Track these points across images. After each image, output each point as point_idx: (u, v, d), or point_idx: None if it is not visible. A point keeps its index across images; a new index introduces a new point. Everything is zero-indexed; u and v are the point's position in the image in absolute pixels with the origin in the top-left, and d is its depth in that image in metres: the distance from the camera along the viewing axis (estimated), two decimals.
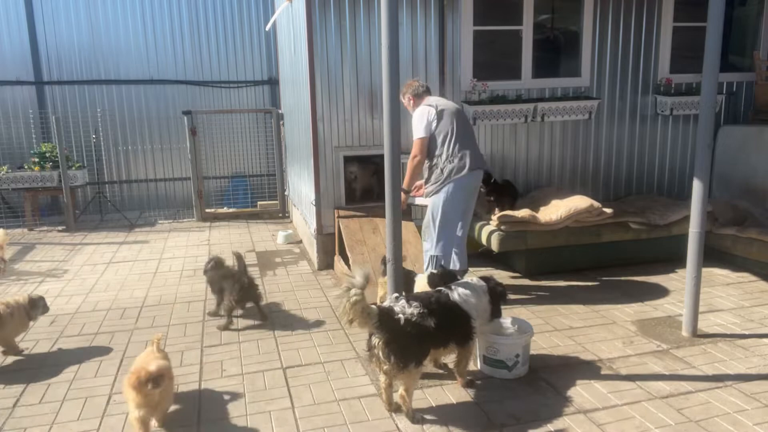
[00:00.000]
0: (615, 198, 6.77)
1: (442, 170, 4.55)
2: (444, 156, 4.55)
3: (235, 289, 4.58)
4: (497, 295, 3.66)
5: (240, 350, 4.19)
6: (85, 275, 6.14)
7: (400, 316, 3.20)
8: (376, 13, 5.75)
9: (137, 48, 11.08)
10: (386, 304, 3.32)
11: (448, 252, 4.65)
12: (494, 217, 5.52)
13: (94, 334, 4.56)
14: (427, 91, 4.91)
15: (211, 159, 10.52)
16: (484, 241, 5.60)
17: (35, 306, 4.22)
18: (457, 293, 3.49)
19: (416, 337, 3.19)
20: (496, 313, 3.67)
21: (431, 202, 4.68)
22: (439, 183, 4.57)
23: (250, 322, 4.71)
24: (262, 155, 10.41)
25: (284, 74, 8.81)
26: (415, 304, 3.28)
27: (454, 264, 4.95)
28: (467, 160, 4.55)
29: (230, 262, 4.98)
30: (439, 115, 4.60)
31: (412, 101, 4.89)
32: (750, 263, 5.56)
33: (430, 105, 4.66)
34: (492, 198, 5.74)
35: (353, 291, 3.03)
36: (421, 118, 4.64)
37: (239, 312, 4.78)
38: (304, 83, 6.17)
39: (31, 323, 4.33)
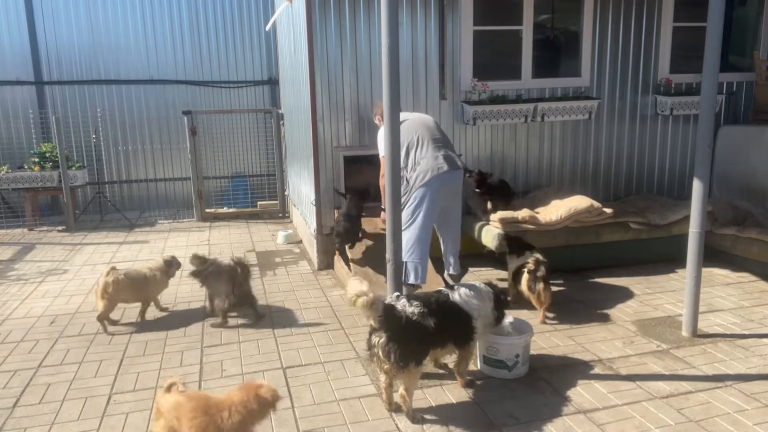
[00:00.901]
0: (615, 198, 6.77)
1: (407, 180, 4.58)
2: (409, 167, 4.59)
3: (234, 294, 4.64)
4: (501, 302, 3.68)
5: (240, 350, 4.19)
6: (85, 275, 6.14)
7: (402, 314, 3.20)
8: (376, 13, 5.76)
9: (137, 48, 11.09)
10: (388, 301, 3.32)
11: (423, 257, 4.61)
12: (494, 218, 5.52)
13: (94, 334, 4.56)
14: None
15: (211, 159, 10.51)
16: (484, 241, 5.60)
17: (171, 265, 4.91)
18: (458, 294, 3.50)
19: (416, 336, 3.19)
20: (500, 319, 3.69)
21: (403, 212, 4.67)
22: (407, 194, 4.58)
23: (249, 321, 4.72)
24: (262, 155, 10.41)
25: (284, 74, 8.81)
26: (415, 303, 3.28)
27: (454, 262, 4.95)
28: (430, 164, 4.56)
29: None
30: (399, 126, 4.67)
31: (382, 122, 4.98)
32: (750, 263, 5.56)
33: None
34: (486, 198, 5.74)
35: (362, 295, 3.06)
36: (382, 138, 4.69)
37: (234, 312, 4.82)
38: (304, 83, 6.17)
39: (171, 280, 5.01)
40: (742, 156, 6.42)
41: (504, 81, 6.24)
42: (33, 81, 10.75)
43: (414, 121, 4.76)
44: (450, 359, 3.71)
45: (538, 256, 4.68)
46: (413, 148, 4.62)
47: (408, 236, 4.54)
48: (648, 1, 6.48)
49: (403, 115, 4.80)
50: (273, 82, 11.42)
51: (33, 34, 10.64)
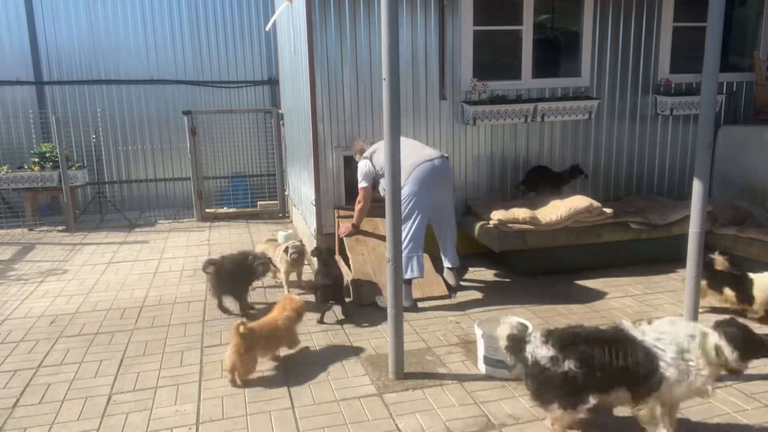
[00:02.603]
0: (615, 198, 6.77)
1: None
2: None
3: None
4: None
5: None
6: (85, 275, 6.14)
7: (528, 355, 2.90)
8: (376, 13, 5.76)
9: (137, 48, 11.08)
10: (515, 333, 3.01)
11: (417, 251, 4.77)
12: (494, 217, 5.52)
13: (94, 334, 4.56)
14: (372, 145, 5.24)
15: (211, 159, 10.51)
16: (484, 241, 5.60)
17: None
18: (643, 331, 2.84)
19: (553, 381, 2.80)
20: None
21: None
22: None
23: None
24: (262, 155, 10.41)
25: (284, 74, 8.81)
26: (550, 343, 2.84)
27: (451, 256, 4.97)
28: (413, 159, 4.77)
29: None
30: (372, 158, 5.02)
31: (360, 158, 5.31)
32: (750, 263, 5.55)
33: (365, 157, 5.12)
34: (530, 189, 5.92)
35: None
36: (361, 171, 5.10)
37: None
38: (304, 83, 6.18)
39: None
40: (742, 156, 6.42)
41: (504, 81, 6.24)
42: (33, 81, 10.74)
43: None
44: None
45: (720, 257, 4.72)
46: None
47: (405, 231, 4.58)
48: (648, 1, 6.48)
49: (371, 149, 5.13)
50: (273, 82, 11.42)
51: (33, 34, 10.64)
